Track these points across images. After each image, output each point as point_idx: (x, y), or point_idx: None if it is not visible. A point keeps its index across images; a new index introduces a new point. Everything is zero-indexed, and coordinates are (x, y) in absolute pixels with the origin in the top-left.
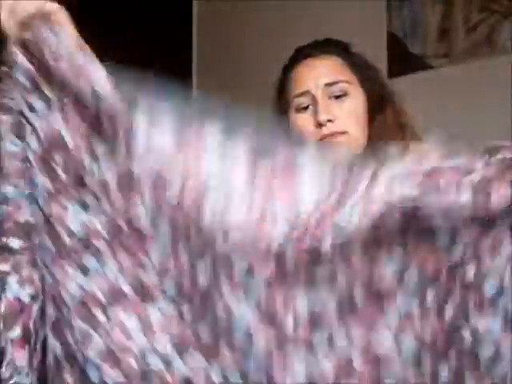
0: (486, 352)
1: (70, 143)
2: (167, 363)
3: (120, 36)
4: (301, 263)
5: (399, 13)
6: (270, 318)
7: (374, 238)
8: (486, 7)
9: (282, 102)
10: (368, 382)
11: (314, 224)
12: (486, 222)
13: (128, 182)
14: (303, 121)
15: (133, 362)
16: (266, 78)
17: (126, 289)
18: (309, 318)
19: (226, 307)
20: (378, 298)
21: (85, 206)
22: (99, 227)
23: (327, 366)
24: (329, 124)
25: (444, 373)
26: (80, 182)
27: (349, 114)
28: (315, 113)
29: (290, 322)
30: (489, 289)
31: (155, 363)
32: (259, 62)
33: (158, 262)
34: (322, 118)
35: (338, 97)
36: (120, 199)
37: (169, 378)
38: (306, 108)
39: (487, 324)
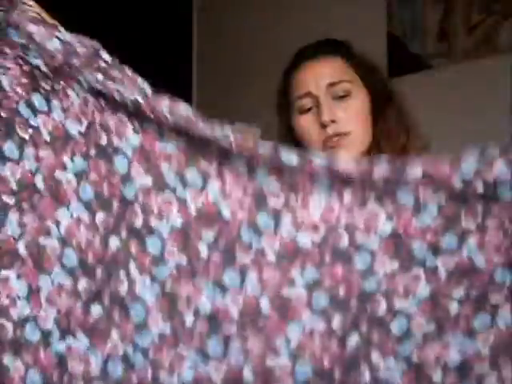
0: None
1: (7, 89)
2: (45, 339)
3: (119, 35)
4: (214, 261)
5: (399, 13)
6: (170, 311)
7: None
8: (485, 7)
9: (284, 104)
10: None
11: None
12: (404, 262)
13: (61, 138)
14: (307, 122)
15: (9, 328)
16: (266, 78)
17: (24, 253)
18: (209, 319)
19: (129, 288)
20: (282, 317)
21: (3, 157)
22: (12, 181)
23: (216, 374)
24: (332, 125)
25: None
26: (8, 129)
27: (352, 115)
28: (318, 114)
29: (189, 319)
30: (396, 329)
31: (32, 336)
32: (259, 62)
33: (66, 230)
34: (326, 118)
35: (340, 97)
36: (50, 154)
37: (41, 354)
38: (309, 109)
39: (385, 368)
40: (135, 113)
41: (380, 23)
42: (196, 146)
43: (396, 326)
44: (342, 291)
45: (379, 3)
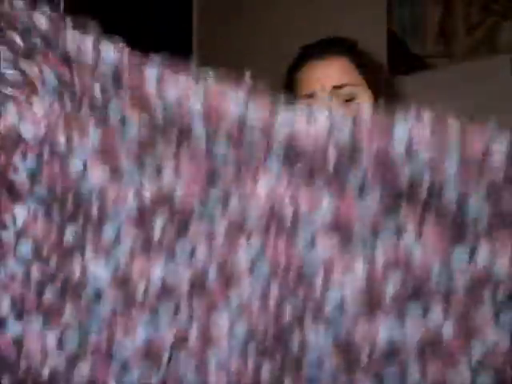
0: (309, 360)
1: None
2: (1, 323)
3: (118, 35)
4: (167, 235)
5: (399, 12)
6: (124, 282)
7: None
8: (485, 7)
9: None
10: (198, 358)
11: None
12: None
13: (12, 141)
14: None
15: None
16: (266, 78)
17: None
18: (161, 287)
19: (83, 270)
20: (226, 282)
21: None
22: None
23: (167, 334)
24: None
25: (266, 368)
26: None
27: None
28: None
29: (141, 288)
30: (330, 301)
31: None
32: (259, 61)
33: (22, 224)
34: None
35: (345, 101)
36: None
37: None
38: None
39: (316, 336)
40: (100, 103)
41: (380, 23)
42: (156, 126)
43: (330, 301)
44: (282, 264)
45: (379, 3)
